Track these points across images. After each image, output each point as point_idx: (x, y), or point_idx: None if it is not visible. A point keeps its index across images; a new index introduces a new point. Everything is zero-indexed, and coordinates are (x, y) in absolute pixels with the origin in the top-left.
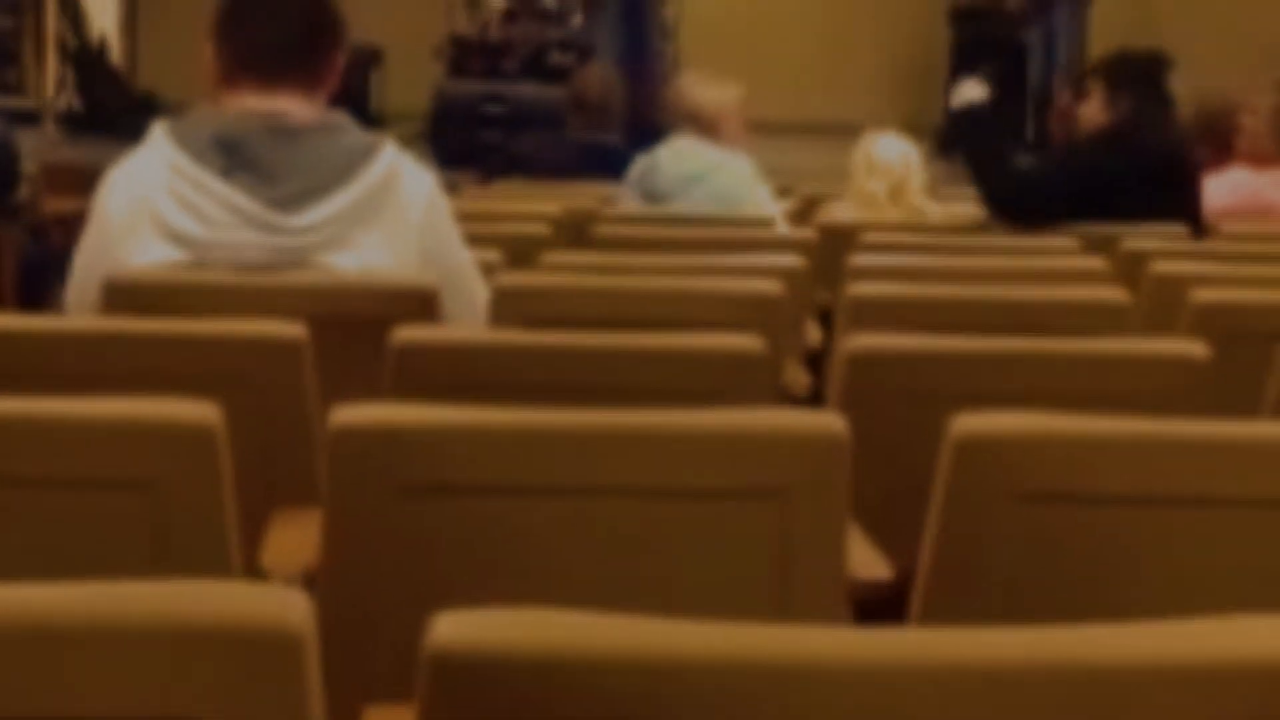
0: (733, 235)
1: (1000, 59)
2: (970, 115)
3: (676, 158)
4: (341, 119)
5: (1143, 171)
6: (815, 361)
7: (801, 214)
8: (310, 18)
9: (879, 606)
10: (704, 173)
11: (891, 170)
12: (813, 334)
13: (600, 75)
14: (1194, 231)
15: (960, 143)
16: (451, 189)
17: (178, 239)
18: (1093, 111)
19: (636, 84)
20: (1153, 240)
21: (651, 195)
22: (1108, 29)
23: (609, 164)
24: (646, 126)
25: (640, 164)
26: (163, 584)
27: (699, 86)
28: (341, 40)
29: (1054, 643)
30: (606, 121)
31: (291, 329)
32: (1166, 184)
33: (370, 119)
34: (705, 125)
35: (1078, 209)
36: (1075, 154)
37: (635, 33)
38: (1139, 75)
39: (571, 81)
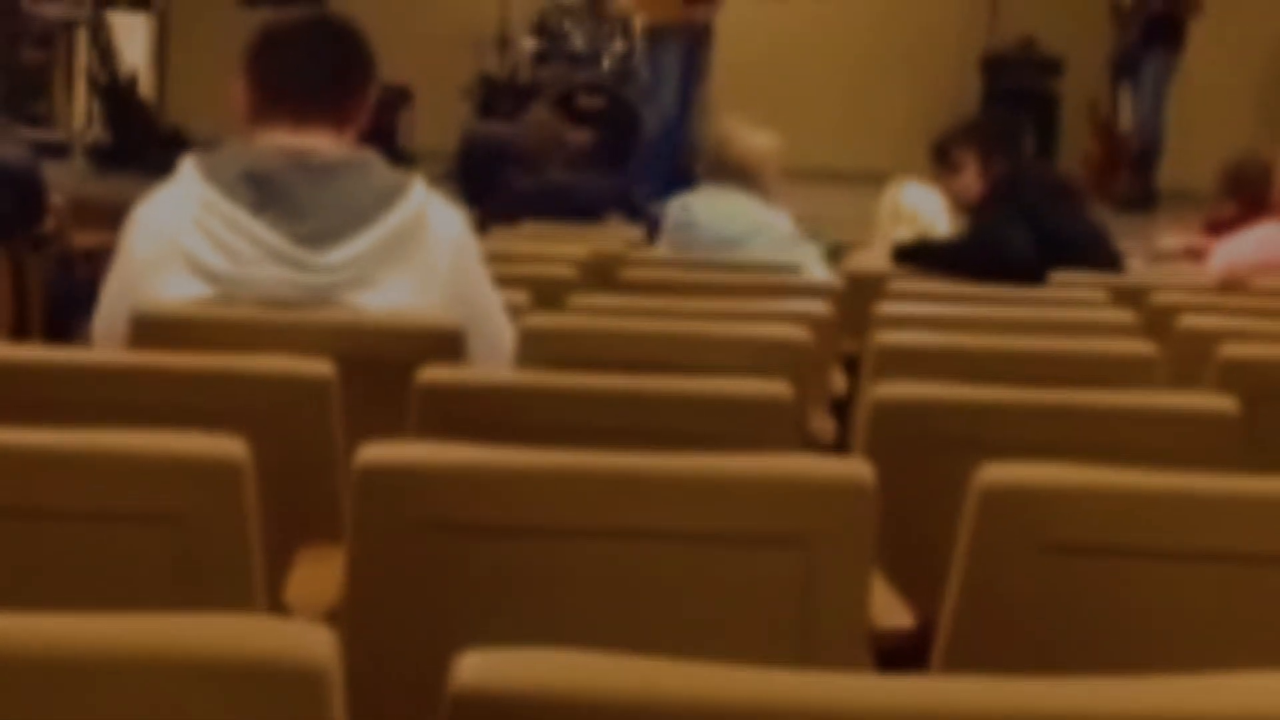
0: (760, 281)
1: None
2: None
3: (716, 216)
4: (371, 157)
5: (1038, 223)
6: (841, 409)
7: (829, 260)
8: (341, 54)
9: (901, 654)
10: (746, 235)
11: (917, 218)
12: (838, 381)
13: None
14: (1113, 266)
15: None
16: (481, 229)
17: (206, 274)
18: (968, 183)
19: (671, 128)
20: (1178, 293)
21: (686, 252)
22: None
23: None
24: (680, 171)
25: (675, 214)
26: (187, 618)
27: (742, 134)
28: (373, 77)
29: (1076, 696)
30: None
31: (319, 367)
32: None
33: (398, 157)
34: (748, 176)
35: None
36: (982, 230)
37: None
38: (1006, 135)
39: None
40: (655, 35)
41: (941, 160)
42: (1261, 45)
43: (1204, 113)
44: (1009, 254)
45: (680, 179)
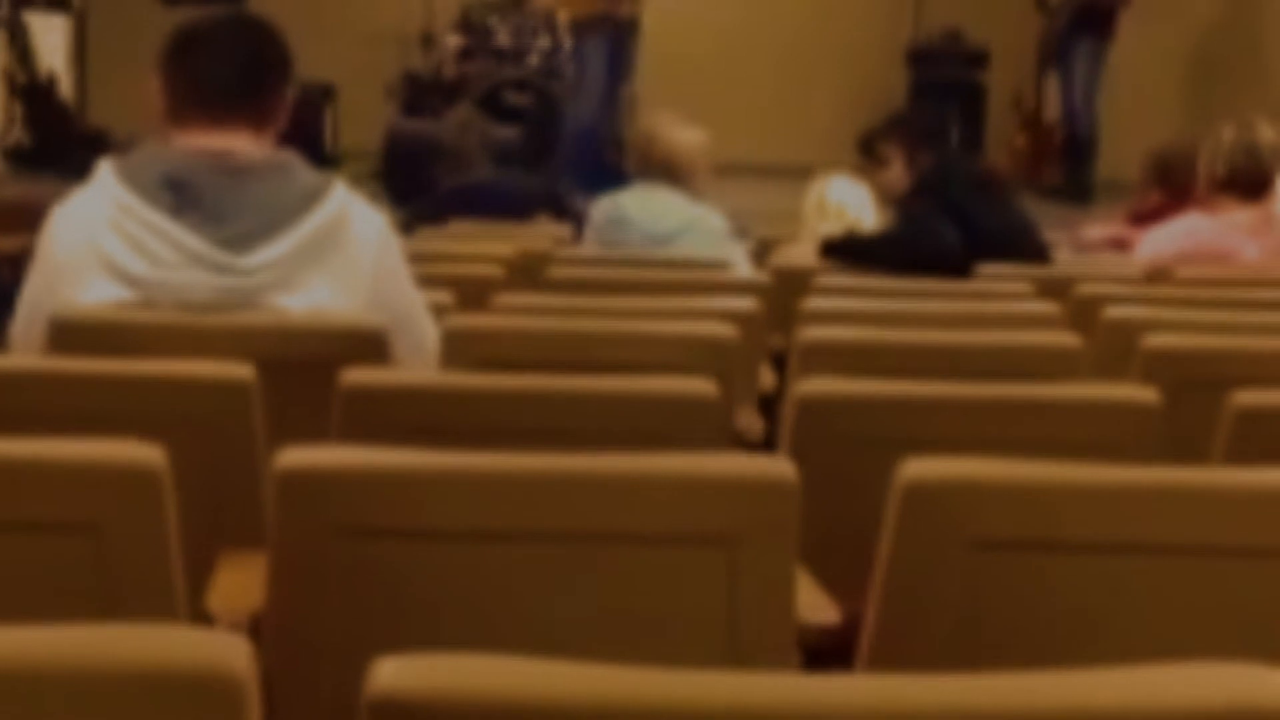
0: (687, 278)
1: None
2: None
3: (648, 214)
4: (291, 158)
5: (965, 216)
6: (769, 406)
7: (757, 256)
8: (258, 54)
9: (827, 650)
10: (677, 232)
11: (844, 213)
12: (767, 378)
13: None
14: (1040, 257)
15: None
16: (405, 229)
17: (125, 278)
18: (895, 177)
19: (596, 123)
20: (1104, 285)
21: (617, 250)
22: None
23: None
24: (606, 167)
25: (604, 211)
26: (105, 628)
27: (671, 130)
28: (289, 76)
29: (1000, 689)
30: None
31: (240, 370)
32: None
33: (324, 157)
34: (678, 173)
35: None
36: (909, 223)
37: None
38: (931, 129)
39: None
40: (580, 30)
41: (868, 154)
42: (1191, 33)
43: (1136, 103)
44: (936, 247)
45: (604, 174)
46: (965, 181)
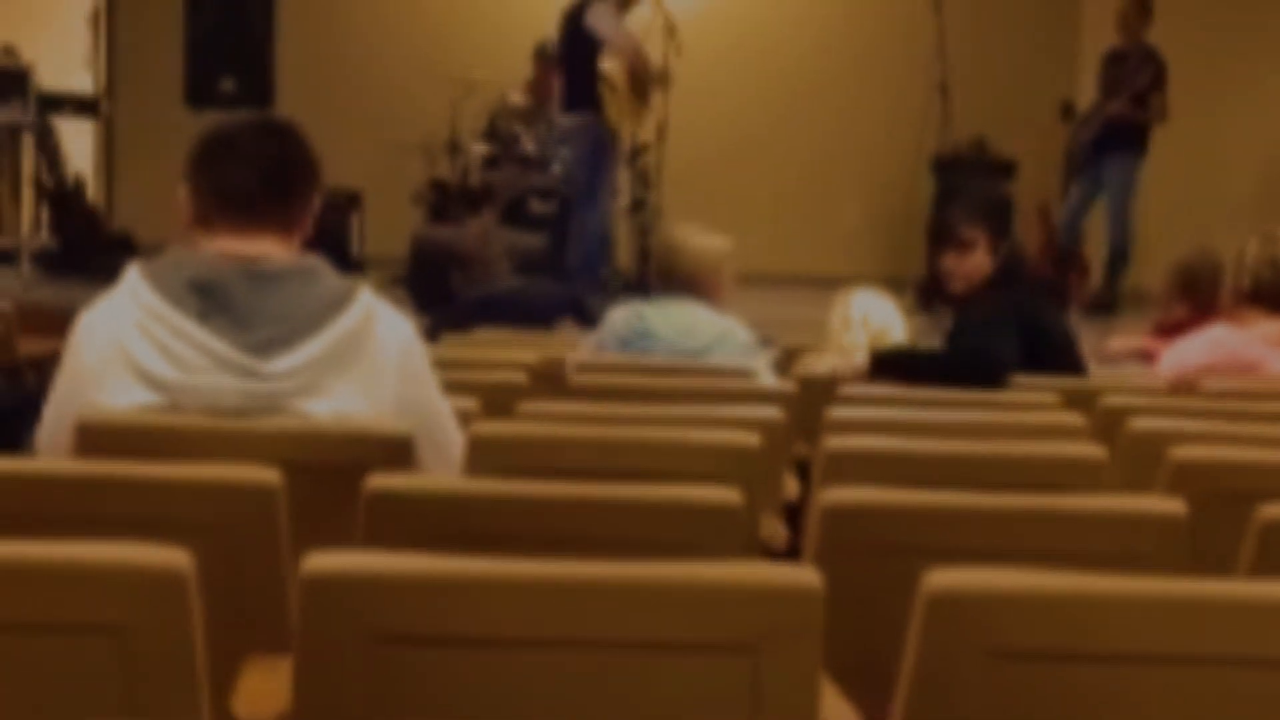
0: (711, 386)
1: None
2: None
3: (675, 329)
4: (317, 263)
5: (1028, 314)
6: (793, 514)
7: (780, 366)
8: (285, 160)
9: None
10: (708, 348)
11: (869, 325)
12: (791, 487)
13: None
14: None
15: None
16: (430, 335)
17: (152, 382)
18: (980, 263)
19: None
20: (1129, 396)
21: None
22: None
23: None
24: (621, 276)
25: (626, 323)
26: None
27: (695, 241)
28: (317, 182)
29: None
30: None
31: (265, 475)
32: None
33: (350, 262)
34: (701, 284)
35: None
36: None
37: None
38: (1007, 218)
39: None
40: (605, 139)
41: (951, 239)
42: (1218, 148)
43: (1161, 216)
44: (992, 368)
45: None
46: (1032, 280)
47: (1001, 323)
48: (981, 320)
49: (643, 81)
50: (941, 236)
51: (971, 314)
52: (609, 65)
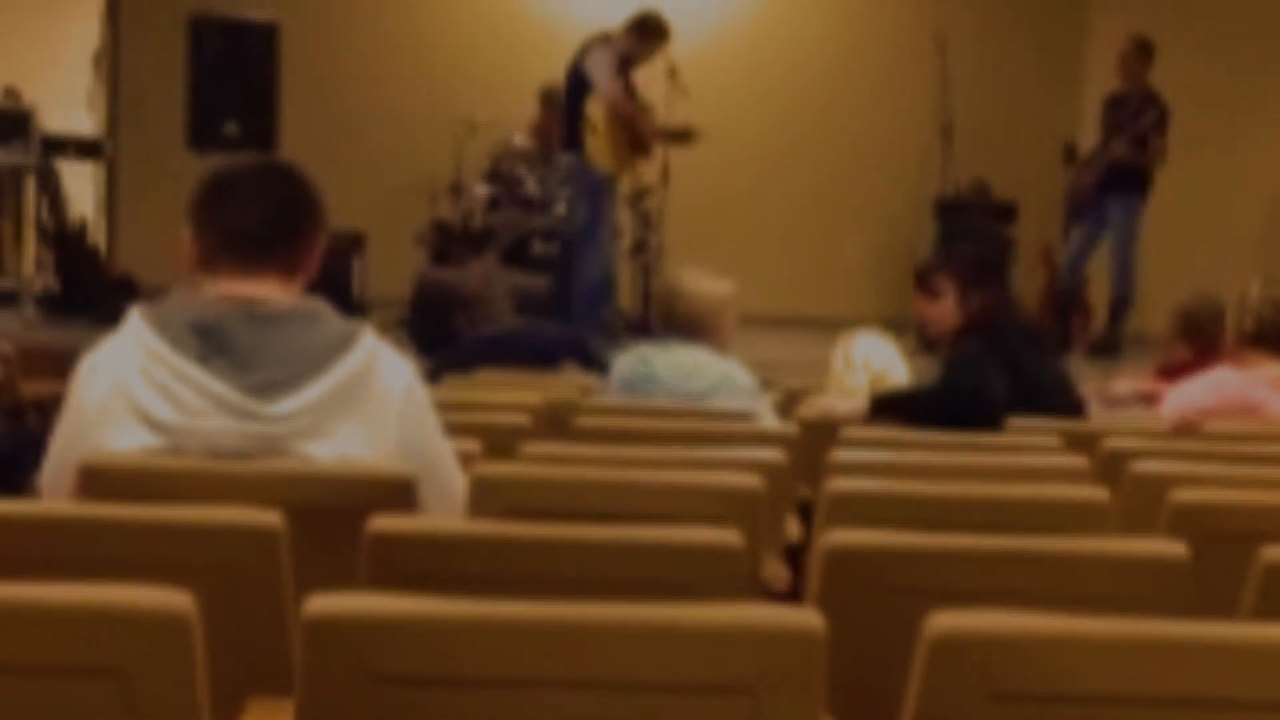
0: (713, 429)
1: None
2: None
3: (677, 372)
4: (320, 305)
5: (1010, 359)
6: (795, 556)
7: (782, 408)
8: (288, 202)
9: None
10: (709, 392)
11: (870, 367)
12: (793, 528)
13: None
14: (1076, 413)
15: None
16: (432, 377)
17: (154, 424)
18: (946, 311)
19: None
20: (1131, 439)
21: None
22: None
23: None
24: (623, 318)
25: (631, 367)
26: None
27: (698, 285)
28: (321, 225)
29: None
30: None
31: (267, 517)
32: (1036, 366)
33: (352, 304)
34: (703, 327)
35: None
36: (960, 360)
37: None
38: (987, 267)
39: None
40: (599, 184)
41: (921, 286)
42: (1220, 191)
43: (1164, 258)
44: (987, 404)
45: (617, 324)
46: (1015, 328)
47: (984, 365)
48: (961, 363)
49: (637, 133)
50: (915, 283)
51: (952, 358)
52: (591, 107)
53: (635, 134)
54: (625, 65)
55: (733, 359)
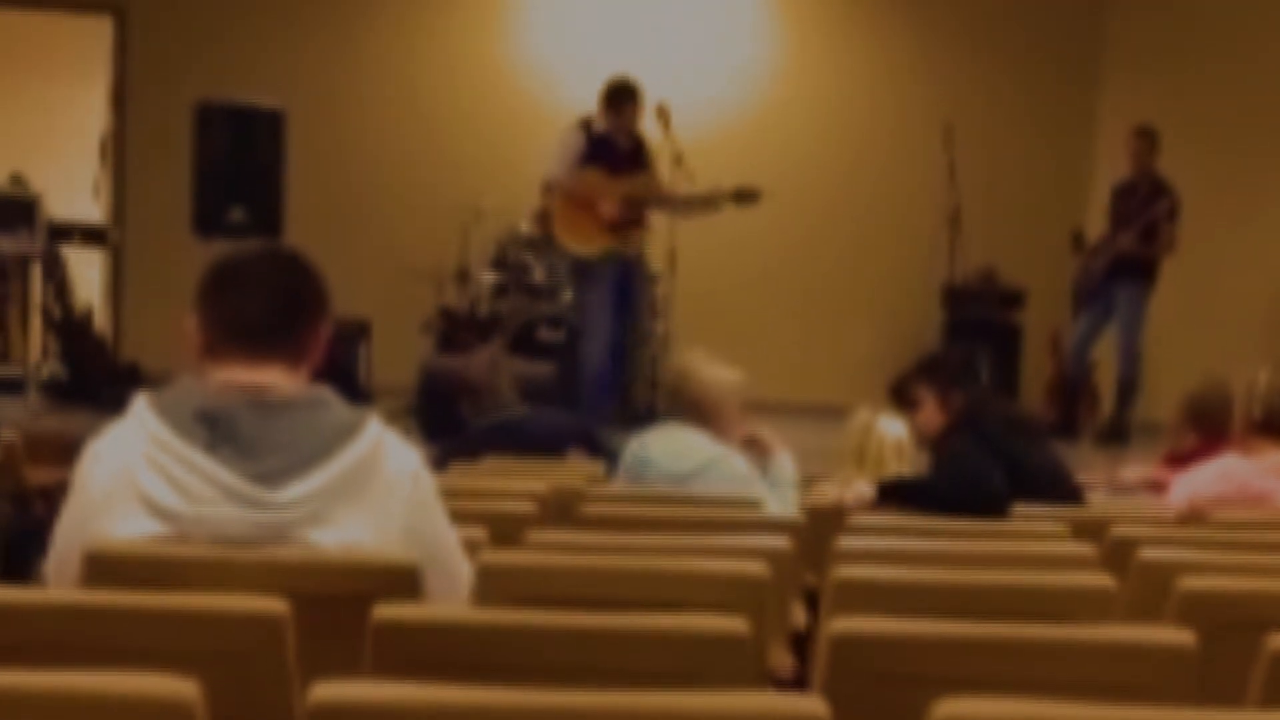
0: (720, 516)
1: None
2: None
3: (669, 453)
4: (325, 393)
5: (997, 449)
6: (801, 644)
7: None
8: (294, 290)
9: None
10: (694, 473)
11: (881, 452)
12: (799, 616)
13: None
14: (1073, 499)
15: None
16: (438, 465)
17: (159, 512)
18: (928, 418)
19: (618, 361)
20: (1139, 526)
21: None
22: None
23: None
24: (634, 407)
25: (633, 450)
26: None
27: (703, 371)
28: (326, 313)
29: None
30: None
31: (273, 605)
32: (1024, 455)
33: (358, 392)
34: (706, 412)
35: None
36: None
37: (626, 311)
38: (961, 368)
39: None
40: (580, 269)
41: (899, 399)
42: (1228, 278)
43: (1171, 345)
44: (986, 489)
45: (629, 413)
46: (998, 420)
47: (977, 451)
48: (956, 457)
49: (596, 209)
50: (892, 399)
51: (945, 455)
52: (544, 196)
53: (595, 211)
54: (605, 143)
55: (731, 446)
